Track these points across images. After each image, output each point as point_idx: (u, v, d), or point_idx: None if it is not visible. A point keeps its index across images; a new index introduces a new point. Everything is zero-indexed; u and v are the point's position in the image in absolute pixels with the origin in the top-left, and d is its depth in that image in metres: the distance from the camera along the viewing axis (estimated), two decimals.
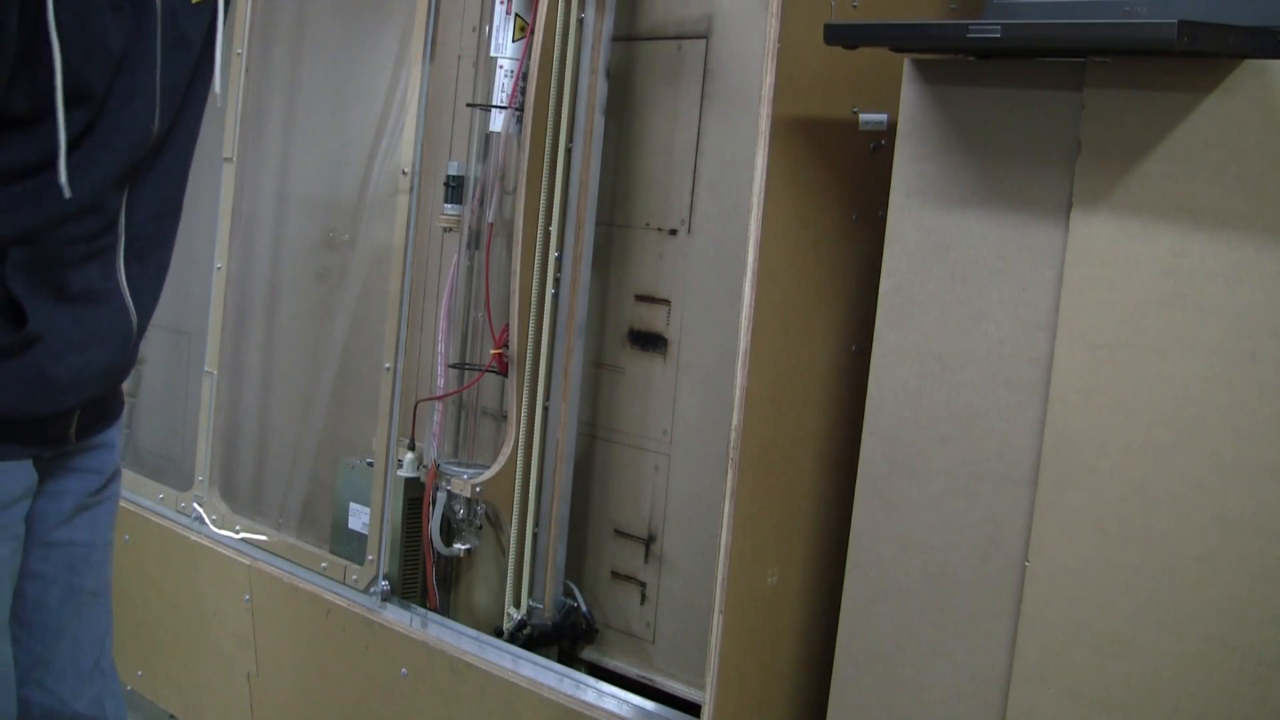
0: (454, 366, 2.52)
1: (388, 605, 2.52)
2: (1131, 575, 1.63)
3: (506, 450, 2.37)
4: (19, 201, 1.48)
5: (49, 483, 1.70)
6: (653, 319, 2.32)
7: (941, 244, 1.80)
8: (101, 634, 1.81)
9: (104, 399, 1.73)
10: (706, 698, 2.01)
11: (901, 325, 1.84)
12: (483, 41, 2.48)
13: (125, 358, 1.67)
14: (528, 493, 2.37)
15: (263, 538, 2.80)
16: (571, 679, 2.26)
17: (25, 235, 1.50)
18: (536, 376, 2.34)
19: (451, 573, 2.59)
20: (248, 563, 2.75)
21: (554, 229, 2.32)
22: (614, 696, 2.21)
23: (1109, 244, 1.65)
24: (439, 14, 2.48)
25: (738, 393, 1.95)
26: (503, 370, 2.37)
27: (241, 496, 2.99)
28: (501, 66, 2.37)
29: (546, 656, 2.34)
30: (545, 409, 2.36)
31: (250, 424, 3.00)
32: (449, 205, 2.48)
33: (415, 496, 2.52)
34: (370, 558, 2.55)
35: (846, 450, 2.01)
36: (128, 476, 2.83)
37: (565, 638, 2.40)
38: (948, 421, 1.80)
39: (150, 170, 1.61)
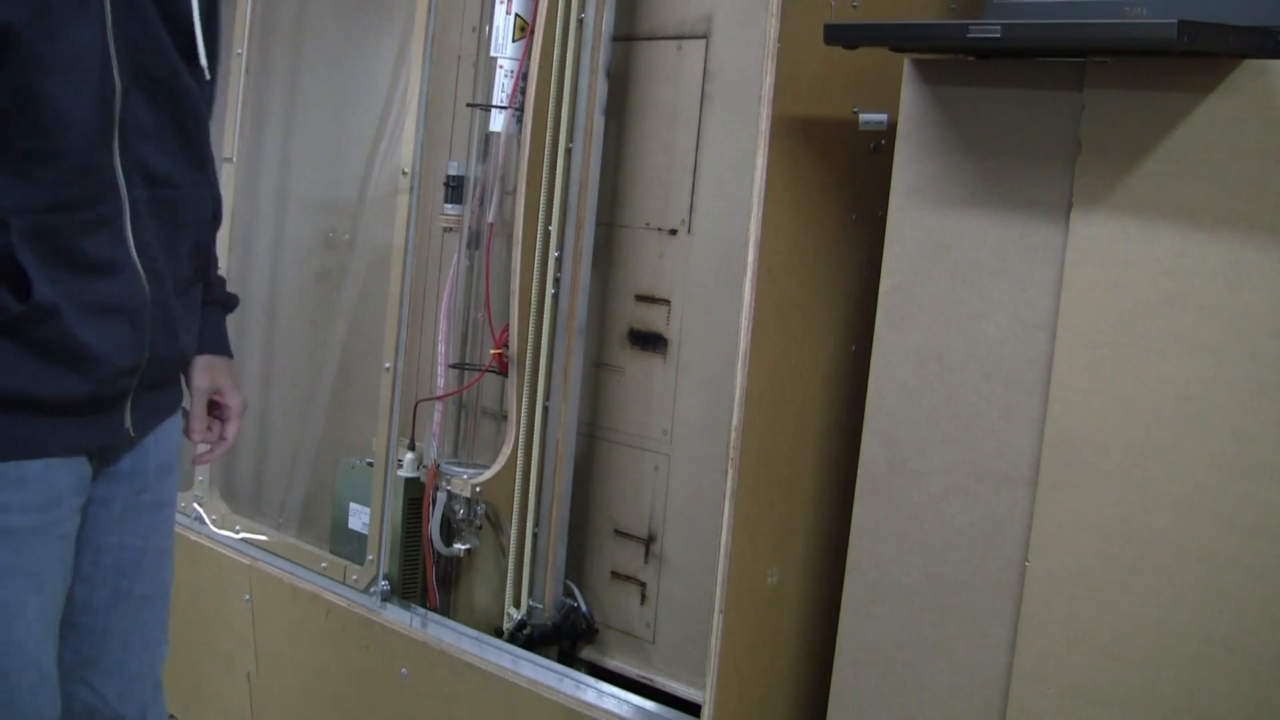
0: (454, 366, 2.51)
1: (388, 605, 2.52)
2: (1131, 575, 1.63)
3: (506, 450, 2.37)
4: (10, 166, 1.48)
5: (100, 487, 1.69)
6: (653, 319, 2.32)
7: (941, 244, 1.80)
8: (153, 641, 1.79)
9: (158, 388, 1.71)
10: (706, 698, 2.01)
11: (901, 325, 1.84)
12: (483, 41, 2.48)
13: (149, 329, 1.63)
14: (528, 493, 2.37)
15: (263, 538, 2.80)
16: (571, 679, 2.26)
17: (23, 204, 1.49)
18: (536, 376, 2.34)
19: (451, 573, 2.59)
20: (248, 563, 2.75)
21: (554, 229, 2.32)
22: (614, 696, 2.21)
23: (1109, 244, 1.65)
24: (439, 14, 2.48)
25: (738, 393, 1.95)
26: (503, 370, 2.37)
27: (241, 496, 2.99)
28: (501, 66, 2.37)
29: (546, 656, 2.34)
30: (545, 409, 2.36)
31: (250, 424, 3.00)
32: (449, 205, 2.48)
33: (415, 496, 2.52)
34: (370, 558, 2.55)
35: (846, 450, 2.01)
36: None
37: (565, 638, 2.40)
38: (948, 421, 1.80)
39: (137, 135, 1.58)
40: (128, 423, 1.66)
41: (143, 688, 1.78)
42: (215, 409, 1.85)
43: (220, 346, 1.86)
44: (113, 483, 1.70)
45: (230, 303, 1.89)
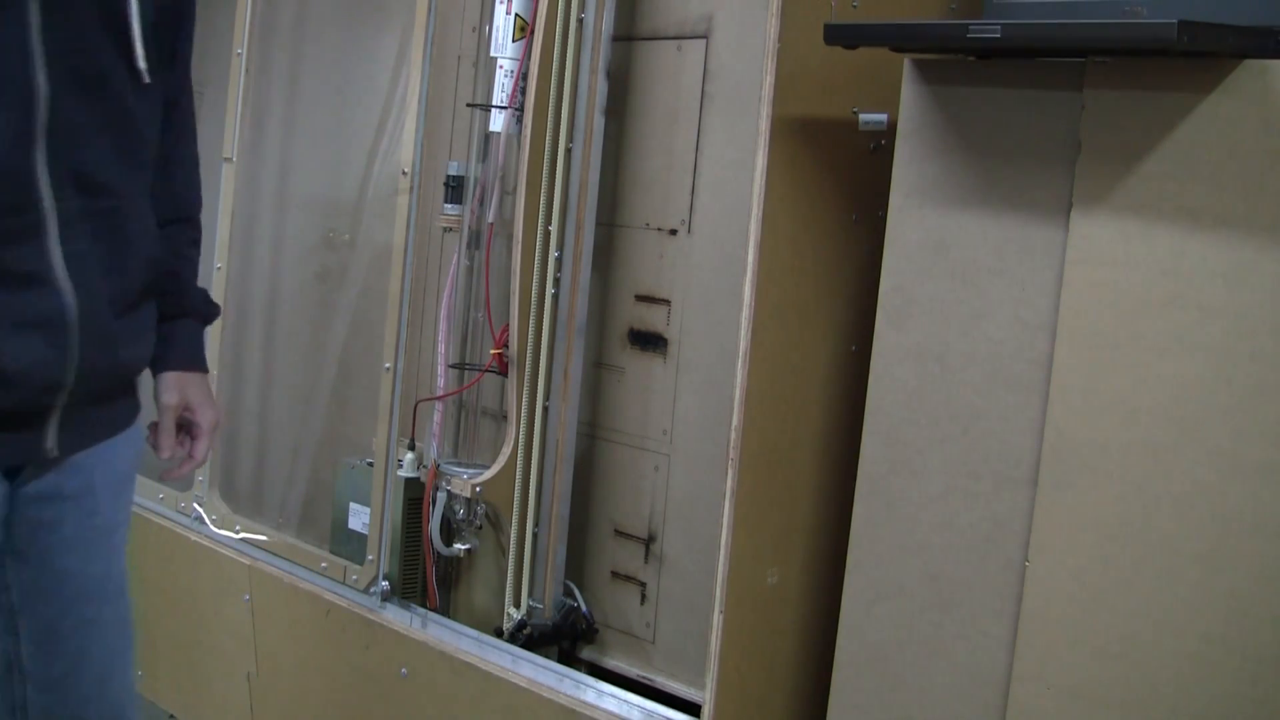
0: (454, 366, 2.52)
1: (388, 605, 2.52)
2: (1131, 575, 1.63)
3: (506, 450, 2.37)
4: None
5: (45, 509, 1.64)
6: (653, 319, 2.32)
7: (941, 244, 1.80)
8: (128, 664, 1.76)
9: (96, 406, 1.64)
10: (706, 698, 2.01)
11: (901, 325, 1.84)
12: (483, 41, 2.48)
13: (75, 347, 1.55)
14: (528, 493, 2.37)
15: (263, 538, 2.80)
16: (571, 679, 2.26)
17: None
18: (536, 376, 2.34)
19: (451, 573, 2.59)
20: (248, 563, 2.75)
21: (554, 229, 2.32)
22: (614, 696, 2.21)
23: (1109, 244, 1.65)
24: (439, 14, 2.48)
25: (738, 393, 1.95)
26: (503, 370, 2.37)
27: (241, 496, 2.99)
28: (501, 66, 2.37)
29: (546, 656, 2.34)
30: (545, 409, 2.36)
31: (250, 424, 3.00)
32: (449, 205, 2.48)
33: (415, 496, 2.52)
34: (370, 558, 2.55)
35: (846, 450, 2.01)
36: None
37: (565, 638, 2.40)
38: (948, 421, 1.80)
39: (69, 141, 1.52)
40: (49, 442, 1.59)
41: (124, 710, 1.76)
42: (187, 425, 1.78)
43: (192, 361, 1.78)
44: (58, 505, 1.65)
45: (209, 313, 1.82)
